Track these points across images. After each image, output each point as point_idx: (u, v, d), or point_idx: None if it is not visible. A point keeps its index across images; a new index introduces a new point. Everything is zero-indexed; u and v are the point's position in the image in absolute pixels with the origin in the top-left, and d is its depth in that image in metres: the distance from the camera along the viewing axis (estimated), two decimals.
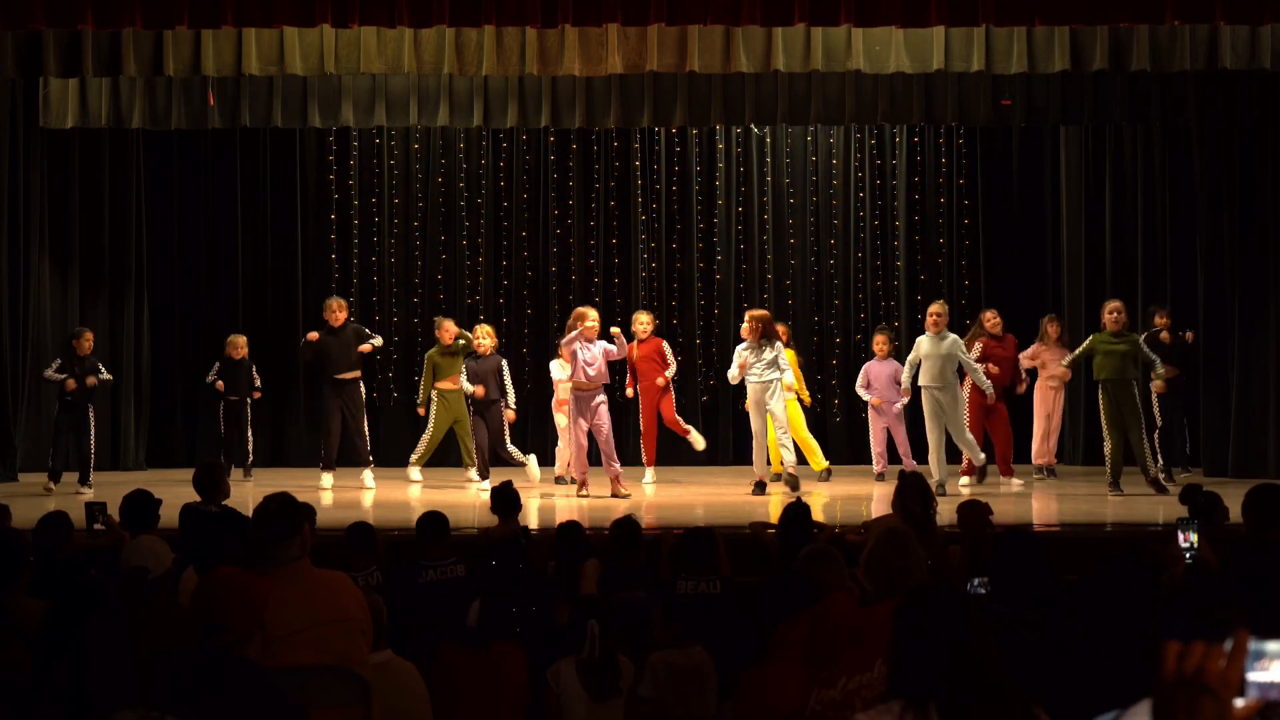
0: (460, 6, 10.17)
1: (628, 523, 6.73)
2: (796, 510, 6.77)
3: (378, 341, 12.17)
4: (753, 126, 13.91)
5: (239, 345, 12.78)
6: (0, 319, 12.51)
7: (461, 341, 12.02)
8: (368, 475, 11.88)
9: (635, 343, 11.86)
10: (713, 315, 14.28)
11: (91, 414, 11.92)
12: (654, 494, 11.44)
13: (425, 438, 12.18)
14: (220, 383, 12.66)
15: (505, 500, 7.55)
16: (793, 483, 11.12)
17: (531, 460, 12.04)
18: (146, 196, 13.85)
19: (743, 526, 8.71)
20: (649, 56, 11.04)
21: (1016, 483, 11.43)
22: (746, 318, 11.36)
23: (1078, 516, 9.84)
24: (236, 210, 14.12)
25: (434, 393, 12.15)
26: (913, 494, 6.80)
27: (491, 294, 14.21)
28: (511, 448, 12.03)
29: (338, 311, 12.01)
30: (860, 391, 12.70)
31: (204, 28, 10.56)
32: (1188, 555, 5.47)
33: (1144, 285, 13.43)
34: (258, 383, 12.87)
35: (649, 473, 11.91)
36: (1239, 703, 1.84)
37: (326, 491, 11.47)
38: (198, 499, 7.42)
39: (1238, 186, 12.38)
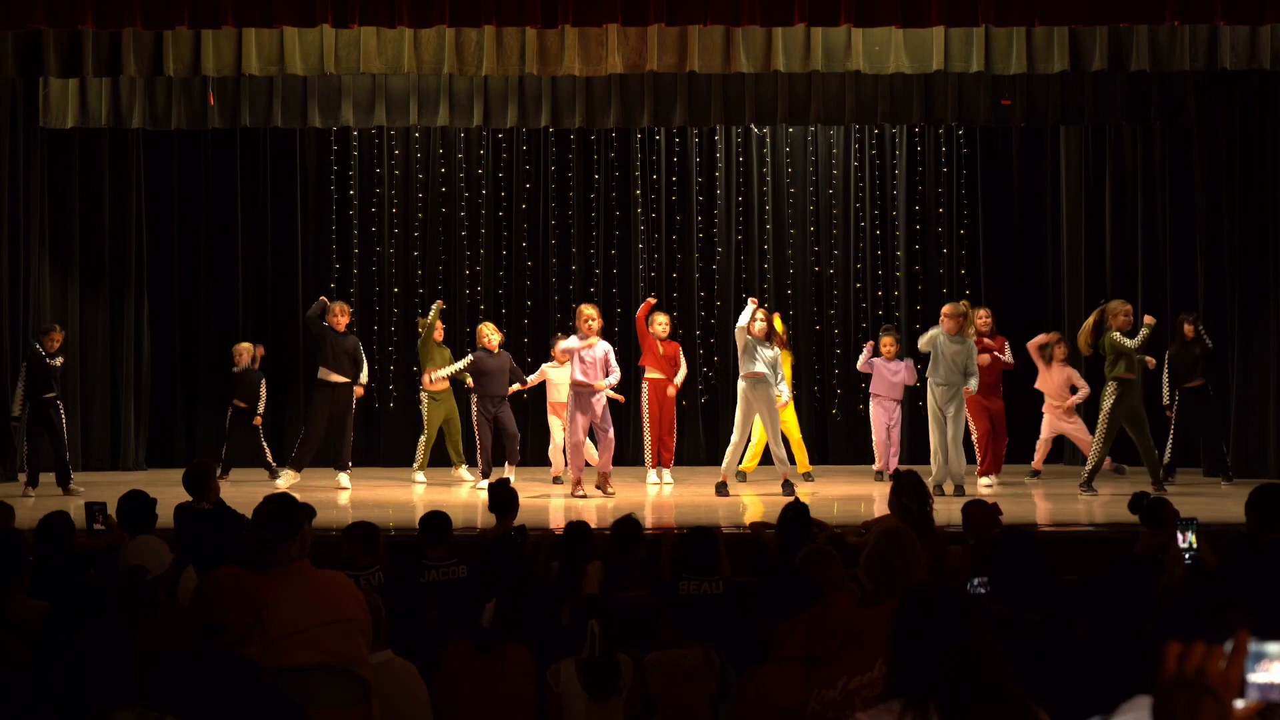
0: (460, 6, 10.16)
1: (629, 522, 6.73)
2: (796, 510, 6.77)
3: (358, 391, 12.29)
4: (753, 126, 13.91)
5: (240, 353, 12.75)
6: (0, 319, 12.51)
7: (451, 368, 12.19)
8: (343, 477, 11.90)
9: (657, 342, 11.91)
10: (713, 315, 14.28)
11: (61, 413, 11.61)
12: (670, 492, 11.45)
13: (422, 440, 12.28)
14: (239, 400, 12.75)
15: (502, 498, 7.54)
16: (788, 487, 11.10)
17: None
18: (146, 196, 13.85)
19: (743, 526, 8.72)
20: (649, 56, 11.04)
21: (984, 481, 11.40)
22: (764, 316, 11.18)
23: (1077, 516, 9.84)
24: (236, 210, 14.12)
25: (422, 394, 12.25)
26: (910, 492, 6.80)
27: (491, 294, 14.21)
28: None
29: (341, 316, 12.05)
30: (862, 359, 12.64)
31: (204, 28, 10.56)
32: (1187, 556, 5.47)
33: (1144, 285, 13.42)
34: (261, 405, 12.81)
35: (667, 473, 11.89)
36: (1239, 703, 1.84)
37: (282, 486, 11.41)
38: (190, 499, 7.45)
39: (1238, 186, 12.39)
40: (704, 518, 9.75)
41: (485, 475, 11.71)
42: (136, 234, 13.75)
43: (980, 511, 6.80)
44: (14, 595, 5.04)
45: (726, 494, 11.03)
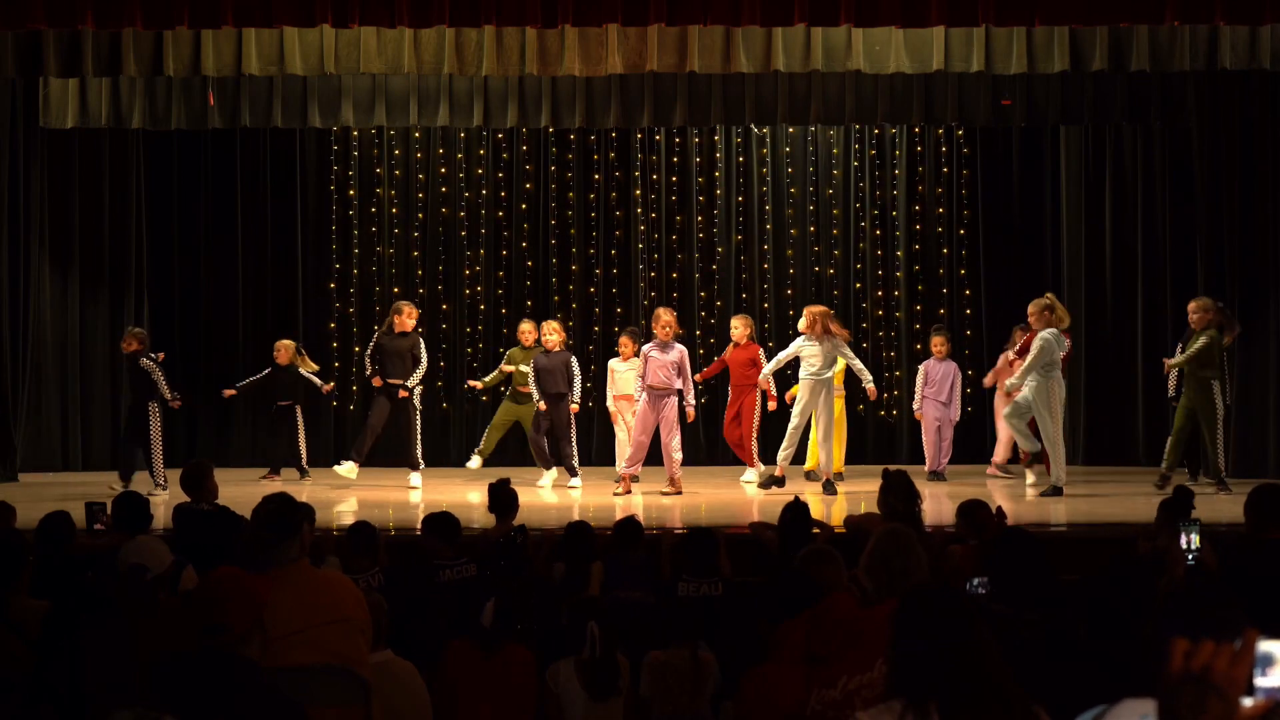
0: (460, 6, 10.16)
1: (629, 522, 6.74)
2: (796, 510, 6.77)
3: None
4: (753, 126, 13.91)
5: (279, 350, 12.68)
6: (0, 319, 12.51)
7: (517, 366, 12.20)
8: (414, 476, 11.85)
9: (732, 346, 12.03)
10: (713, 315, 14.28)
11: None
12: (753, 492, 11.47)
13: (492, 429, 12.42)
14: (229, 391, 12.69)
15: (502, 499, 7.52)
16: (829, 486, 11.10)
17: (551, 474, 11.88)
18: (146, 196, 13.85)
19: (743, 526, 8.71)
20: (649, 56, 11.04)
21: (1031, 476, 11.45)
22: (805, 314, 11.28)
23: (1078, 516, 9.84)
24: (236, 210, 14.11)
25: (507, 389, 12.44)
26: (897, 492, 6.82)
27: (491, 293, 14.21)
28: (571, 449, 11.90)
29: (407, 318, 11.98)
30: (917, 392, 12.74)
31: (204, 28, 10.56)
32: (1189, 557, 5.46)
33: (1144, 285, 13.42)
34: (317, 387, 12.68)
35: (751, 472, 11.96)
36: (1246, 702, 1.84)
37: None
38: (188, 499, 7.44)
39: (1238, 186, 12.38)
40: (705, 518, 9.75)
41: (546, 467, 11.87)
42: (136, 234, 13.74)
43: (981, 511, 6.80)
44: (14, 595, 5.04)
45: (835, 491, 11.04)
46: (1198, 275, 12.69)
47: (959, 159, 14.35)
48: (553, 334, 11.89)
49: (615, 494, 11.07)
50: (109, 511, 6.93)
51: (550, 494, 11.43)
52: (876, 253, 14.35)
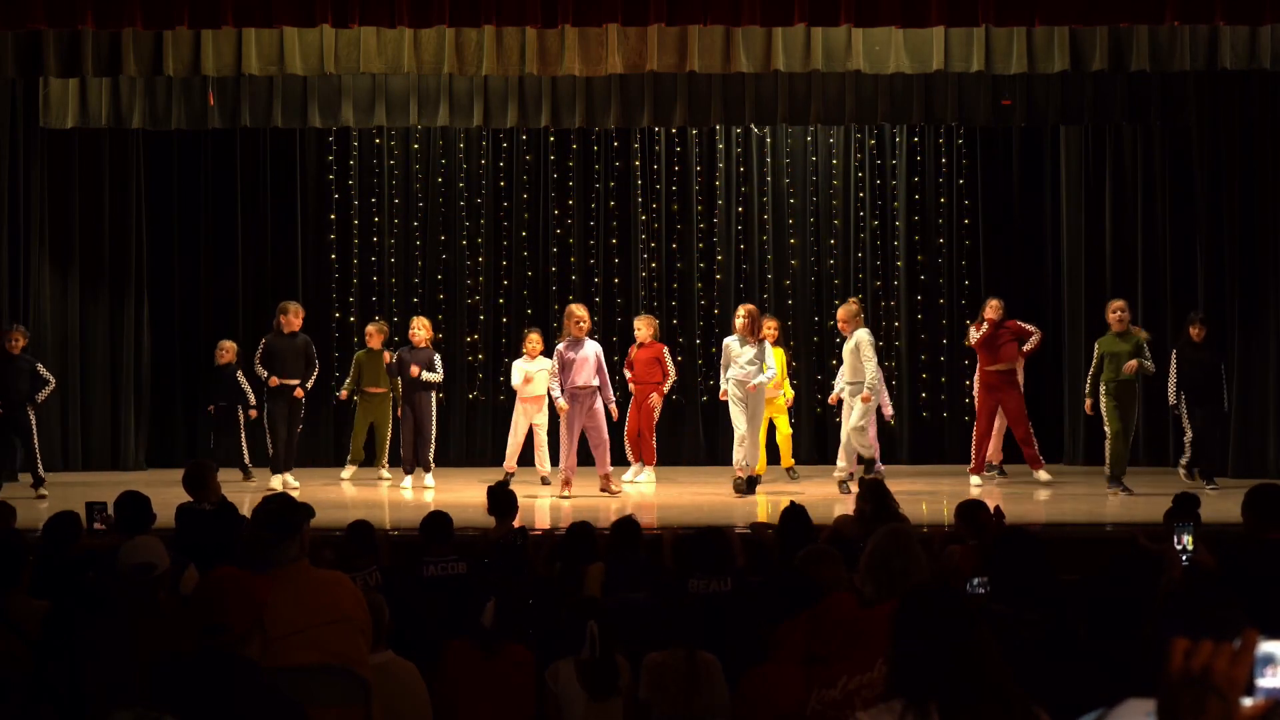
0: (460, 6, 10.17)
1: (628, 523, 6.73)
2: (796, 511, 6.78)
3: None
4: (753, 126, 13.91)
5: (223, 350, 12.72)
6: (0, 318, 12.51)
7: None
8: (289, 478, 11.82)
9: (636, 346, 12.24)
10: (713, 315, 14.27)
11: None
12: (653, 492, 11.52)
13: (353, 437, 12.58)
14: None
15: (502, 501, 7.53)
16: (749, 485, 11.14)
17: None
18: (146, 196, 13.84)
19: (742, 526, 8.72)
20: (649, 56, 11.04)
21: (1044, 475, 11.60)
22: (744, 313, 11.30)
23: (1078, 516, 9.84)
24: (236, 210, 14.10)
25: (356, 395, 12.50)
26: (863, 494, 6.98)
27: (491, 294, 14.21)
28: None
29: (294, 318, 12.00)
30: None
31: (204, 28, 10.56)
32: (1184, 558, 5.46)
33: (1144, 285, 13.42)
34: (250, 395, 12.60)
35: (648, 471, 12.02)
36: (1246, 702, 1.84)
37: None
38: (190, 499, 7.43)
39: (1238, 186, 12.39)
40: (708, 518, 9.74)
41: (407, 471, 12.01)
42: (136, 234, 13.74)
43: (980, 512, 6.80)
44: (14, 595, 5.04)
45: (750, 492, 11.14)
46: (1198, 275, 12.70)
47: (959, 159, 14.35)
48: (421, 329, 12.09)
49: (563, 496, 10.99)
50: (109, 511, 6.93)
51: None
52: (876, 253, 14.34)
